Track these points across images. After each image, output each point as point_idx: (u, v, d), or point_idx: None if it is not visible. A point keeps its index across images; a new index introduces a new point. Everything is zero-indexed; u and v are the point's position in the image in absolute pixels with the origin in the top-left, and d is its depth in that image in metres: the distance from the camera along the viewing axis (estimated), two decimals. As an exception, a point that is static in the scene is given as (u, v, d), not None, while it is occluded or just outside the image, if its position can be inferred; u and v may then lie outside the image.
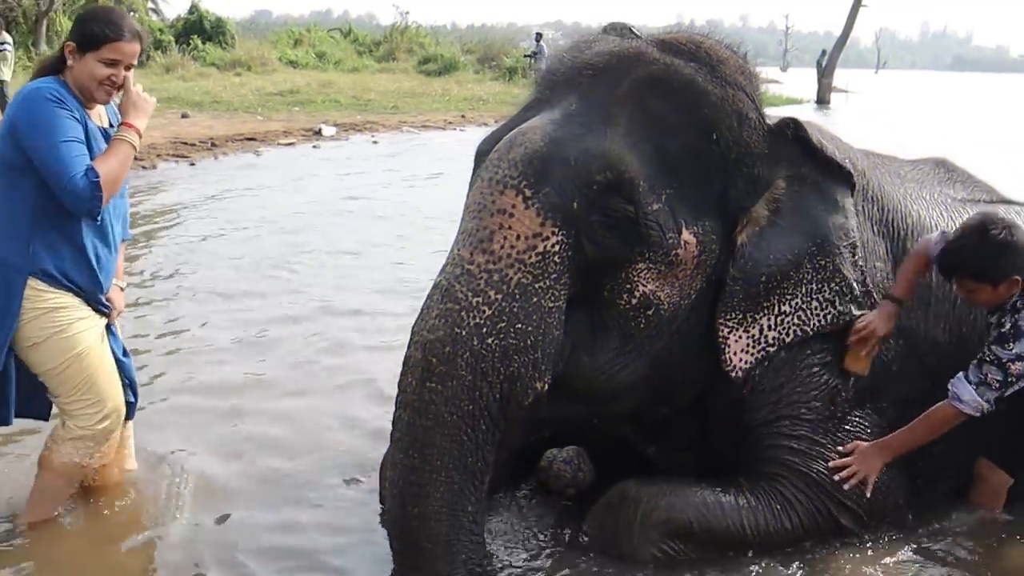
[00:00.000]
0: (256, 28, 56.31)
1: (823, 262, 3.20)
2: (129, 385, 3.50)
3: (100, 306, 3.33)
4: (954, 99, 43.12)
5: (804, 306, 3.19)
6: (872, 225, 3.50)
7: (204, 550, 3.35)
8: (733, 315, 3.13)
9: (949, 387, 3.26)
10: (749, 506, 3.20)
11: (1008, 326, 3.24)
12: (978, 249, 3.20)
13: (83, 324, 3.25)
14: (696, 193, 3.04)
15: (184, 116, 18.30)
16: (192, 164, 13.56)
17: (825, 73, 34.29)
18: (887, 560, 3.29)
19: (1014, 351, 3.21)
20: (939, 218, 3.73)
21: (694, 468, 3.43)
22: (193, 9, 34.61)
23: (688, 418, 3.40)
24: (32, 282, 3.14)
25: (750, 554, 3.21)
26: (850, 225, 3.26)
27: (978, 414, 3.23)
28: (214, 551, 3.34)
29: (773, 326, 3.17)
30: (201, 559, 3.30)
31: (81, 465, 3.36)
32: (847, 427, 3.34)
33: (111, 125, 3.33)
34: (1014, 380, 3.22)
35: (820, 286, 3.21)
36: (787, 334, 3.19)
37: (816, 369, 3.30)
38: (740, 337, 3.15)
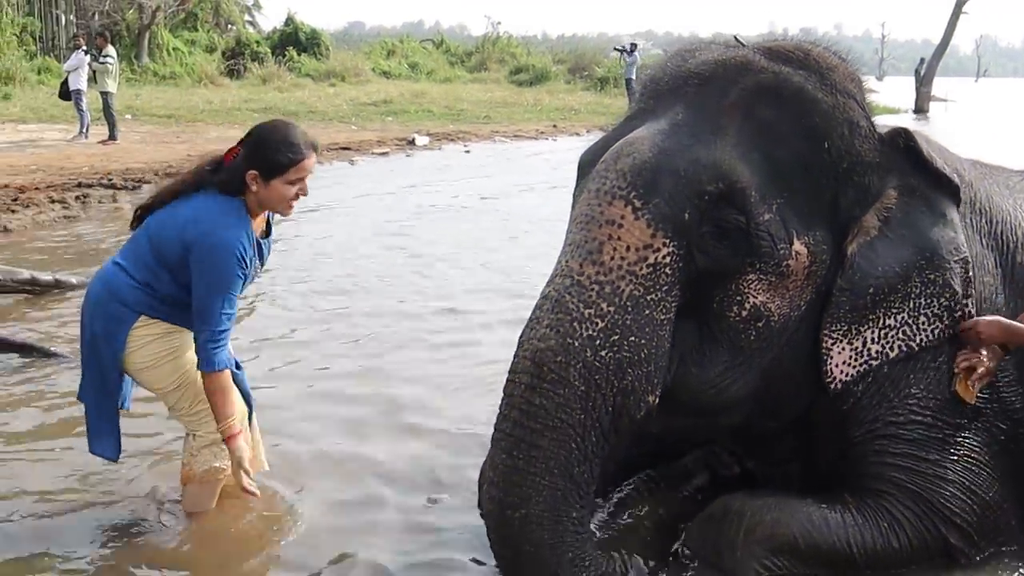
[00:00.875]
0: (350, 39, 57.43)
1: (932, 276, 3.12)
2: (243, 395, 3.56)
3: None
4: (1060, 108, 41.85)
5: (911, 320, 3.12)
6: (980, 238, 3.41)
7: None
8: (838, 326, 3.07)
9: None
10: (856, 523, 3.12)
11: None
12: None
13: (190, 343, 3.36)
14: (807, 203, 2.99)
15: (280, 126, 18.63)
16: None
17: (924, 82, 33.65)
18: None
19: None
20: (1050, 230, 3.60)
21: (796, 482, 3.37)
22: (289, 21, 35.43)
23: (790, 431, 3.34)
24: (143, 316, 3.30)
25: (856, 573, 3.13)
26: (960, 240, 3.17)
27: None
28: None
29: (877, 339, 3.10)
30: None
31: (221, 469, 3.45)
32: (954, 444, 3.22)
33: (266, 232, 3.45)
34: None
35: (929, 301, 3.13)
36: (891, 348, 3.11)
37: (923, 384, 3.20)
38: (843, 349, 3.08)
